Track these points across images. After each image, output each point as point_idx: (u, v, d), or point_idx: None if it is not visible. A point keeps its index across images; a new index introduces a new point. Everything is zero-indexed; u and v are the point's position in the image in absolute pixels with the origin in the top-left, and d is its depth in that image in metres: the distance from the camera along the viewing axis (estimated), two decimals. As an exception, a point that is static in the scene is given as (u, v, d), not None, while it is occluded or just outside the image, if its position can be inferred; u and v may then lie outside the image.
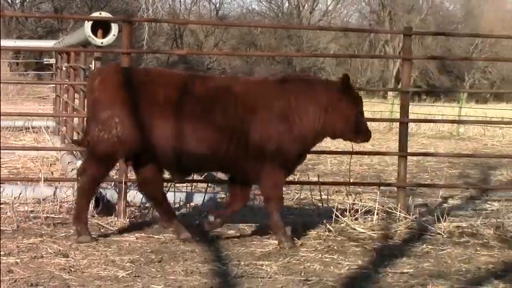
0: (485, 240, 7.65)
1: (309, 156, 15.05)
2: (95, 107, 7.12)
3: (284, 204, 7.47)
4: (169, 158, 7.06)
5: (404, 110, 8.83)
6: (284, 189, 9.35)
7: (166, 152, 7.01)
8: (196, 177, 8.88)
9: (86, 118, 7.70)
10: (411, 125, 25.53)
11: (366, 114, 7.85)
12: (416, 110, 32.22)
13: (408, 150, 9.18)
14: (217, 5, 63.17)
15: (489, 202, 10.22)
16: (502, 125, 25.61)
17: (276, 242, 7.17)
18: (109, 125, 6.95)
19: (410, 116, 9.36)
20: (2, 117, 8.86)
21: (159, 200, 7.36)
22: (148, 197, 7.56)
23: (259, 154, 7.08)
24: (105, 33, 8.59)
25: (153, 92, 7.06)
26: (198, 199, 9.01)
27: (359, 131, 7.40)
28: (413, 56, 9.89)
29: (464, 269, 6.48)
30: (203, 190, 9.36)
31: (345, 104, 7.28)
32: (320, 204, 8.95)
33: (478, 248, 7.32)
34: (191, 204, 8.96)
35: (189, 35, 60.32)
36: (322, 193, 9.03)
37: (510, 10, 72.35)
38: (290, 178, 8.31)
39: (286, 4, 64.22)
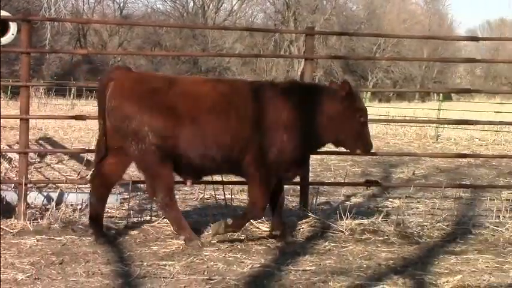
0: (386, 237, 7.77)
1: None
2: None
3: (189, 203, 7.46)
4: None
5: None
6: (188, 189, 9.39)
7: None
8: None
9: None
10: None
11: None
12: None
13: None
14: (121, 4, 62.73)
15: (390, 199, 10.38)
16: (404, 124, 26.09)
17: (182, 241, 7.17)
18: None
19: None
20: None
21: None
22: None
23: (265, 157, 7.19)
24: (4, 32, 8.42)
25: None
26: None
27: (359, 141, 7.51)
28: (316, 56, 9.96)
29: (365, 265, 6.58)
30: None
31: (347, 112, 7.38)
32: (224, 204, 8.94)
33: (379, 245, 7.44)
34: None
35: (93, 34, 59.68)
36: (226, 192, 9.02)
37: (412, 10, 73.79)
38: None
39: (191, 4, 64.14)
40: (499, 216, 8.78)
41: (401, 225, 8.27)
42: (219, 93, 7.31)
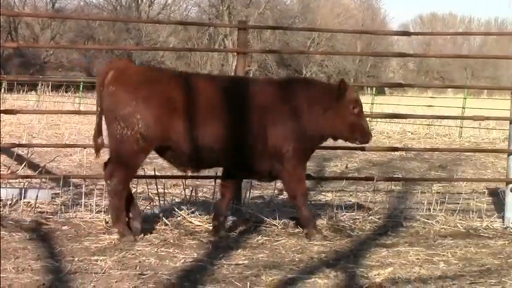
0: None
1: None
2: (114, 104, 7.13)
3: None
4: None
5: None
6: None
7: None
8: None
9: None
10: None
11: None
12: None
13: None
14: (54, -3, 61.82)
15: (323, 193, 10.44)
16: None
17: (114, 236, 7.13)
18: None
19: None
20: None
21: None
22: None
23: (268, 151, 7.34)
24: None
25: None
26: (31, 195, 8.74)
27: (357, 133, 7.59)
28: (249, 50, 9.95)
29: (297, 259, 6.60)
30: (37, 186, 9.12)
31: (342, 106, 7.49)
32: (157, 198, 8.89)
33: (312, 238, 7.46)
34: (24, 200, 8.69)
35: (24, 27, 58.75)
36: (159, 187, 8.98)
37: (345, 5, 74.31)
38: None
39: (125, -3, 63.57)
40: (429, 209, 8.90)
41: (334, 218, 8.33)
42: (220, 89, 7.41)
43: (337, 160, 14.97)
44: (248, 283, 5.72)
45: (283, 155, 7.36)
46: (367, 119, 8.83)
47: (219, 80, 8.12)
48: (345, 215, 8.57)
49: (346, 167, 14.02)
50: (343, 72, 65.44)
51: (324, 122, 7.50)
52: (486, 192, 10.67)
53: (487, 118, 9.90)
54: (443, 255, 6.90)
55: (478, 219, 8.60)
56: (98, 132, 7.30)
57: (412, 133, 24.76)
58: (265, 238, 7.42)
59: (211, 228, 7.62)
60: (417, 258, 6.72)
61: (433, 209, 8.90)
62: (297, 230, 7.85)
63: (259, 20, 60.36)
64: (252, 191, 9.39)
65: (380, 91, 45.28)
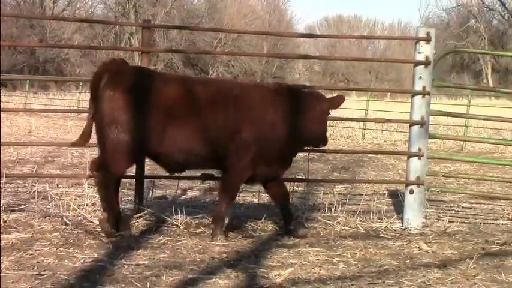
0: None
1: (48, 148, 14.72)
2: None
3: (20, 197, 7.25)
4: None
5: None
6: (21, 182, 9.14)
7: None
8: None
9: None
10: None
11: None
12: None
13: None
14: (-46, -8, 60.31)
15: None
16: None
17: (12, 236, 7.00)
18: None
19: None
20: None
21: None
22: None
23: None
24: None
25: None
26: None
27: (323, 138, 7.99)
28: (153, 49, 9.87)
29: (199, 259, 6.58)
30: None
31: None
32: (58, 197, 8.74)
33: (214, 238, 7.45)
34: None
35: None
36: (60, 186, 8.84)
37: (252, 6, 74.63)
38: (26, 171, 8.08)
39: (29, -8, 62.49)
40: (331, 210, 9.00)
41: (237, 218, 8.34)
42: (213, 93, 7.49)
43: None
44: (148, 283, 5.67)
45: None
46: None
47: (213, 83, 8.18)
48: (246, 215, 8.59)
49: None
50: (250, 73, 65.77)
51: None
52: (386, 194, 10.84)
53: (388, 121, 10.09)
54: (343, 255, 6.97)
55: (378, 221, 8.74)
56: (88, 134, 7.34)
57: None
58: (166, 238, 7.38)
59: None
60: (317, 259, 6.78)
61: (335, 210, 9.00)
62: (199, 230, 7.84)
63: (165, 19, 60.16)
64: (154, 190, 9.34)
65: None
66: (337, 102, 7.83)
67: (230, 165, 7.48)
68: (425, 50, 8.75)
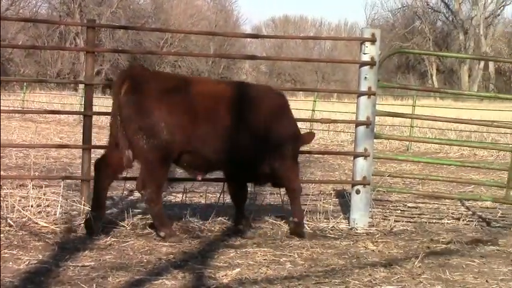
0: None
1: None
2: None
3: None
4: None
5: (88, 103, 8.75)
6: None
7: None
8: None
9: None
10: (102, 118, 25.57)
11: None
12: (107, 102, 32.22)
13: (97, 143, 9.11)
14: None
15: (174, 194, 10.41)
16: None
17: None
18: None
19: (102, 109, 9.32)
20: None
21: None
22: None
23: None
24: None
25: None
26: None
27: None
28: (98, 49, 9.80)
29: (145, 260, 6.54)
30: None
31: None
32: (1, 199, 8.62)
33: (161, 239, 7.42)
34: None
35: None
36: (4, 187, 8.72)
37: (198, 6, 74.51)
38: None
39: (-30, -9, 61.55)
40: (278, 210, 9.02)
41: (183, 219, 8.32)
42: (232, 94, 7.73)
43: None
44: (94, 285, 5.62)
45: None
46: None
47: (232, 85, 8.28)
48: (194, 215, 8.57)
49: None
50: (197, 74, 65.63)
51: None
52: (333, 194, 10.91)
53: (334, 121, 10.15)
54: (290, 255, 6.99)
55: (325, 220, 8.78)
56: (124, 144, 7.34)
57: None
58: (113, 239, 7.32)
59: (57, 229, 7.48)
60: (264, 259, 6.78)
61: (282, 210, 9.02)
62: (146, 231, 7.80)
63: (111, 19, 59.77)
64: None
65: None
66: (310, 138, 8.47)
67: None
68: (371, 51, 8.81)
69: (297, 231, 7.97)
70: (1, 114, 8.08)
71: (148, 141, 7.23)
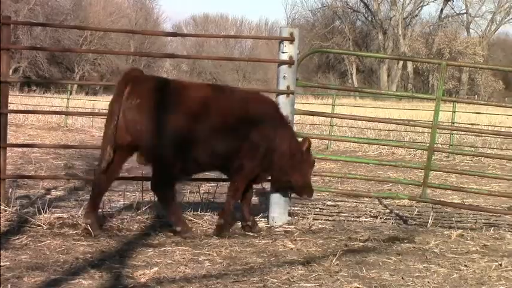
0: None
1: None
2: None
3: None
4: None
5: (4, 101, 8.58)
6: None
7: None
8: None
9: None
10: (19, 117, 25.18)
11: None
12: (26, 101, 31.75)
13: (14, 142, 8.95)
14: None
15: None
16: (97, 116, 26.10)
17: None
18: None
19: (19, 107, 9.17)
20: None
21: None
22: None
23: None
24: None
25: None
26: None
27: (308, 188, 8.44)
28: (13, 46, 9.63)
29: (62, 260, 6.45)
30: None
31: None
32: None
33: (78, 239, 7.34)
34: None
35: None
36: None
37: (118, 3, 73.90)
38: None
39: None
40: (197, 209, 9.00)
41: (101, 218, 8.24)
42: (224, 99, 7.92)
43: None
44: (9, 285, 5.52)
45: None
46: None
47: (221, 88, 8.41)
48: (112, 214, 8.50)
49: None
50: (116, 72, 65.11)
51: None
52: (252, 192, 10.91)
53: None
54: (209, 254, 6.98)
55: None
56: (111, 142, 7.50)
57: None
58: (29, 239, 7.20)
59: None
60: (183, 258, 6.76)
61: (201, 209, 9.01)
62: (63, 230, 7.70)
63: (29, 16, 58.88)
64: (17, 190, 9.12)
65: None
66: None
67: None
68: (289, 50, 8.86)
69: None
70: None
71: (154, 142, 7.49)
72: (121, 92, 7.53)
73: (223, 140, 7.77)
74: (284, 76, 8.87)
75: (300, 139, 8.41)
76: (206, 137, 7.66)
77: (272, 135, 8.01)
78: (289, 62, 8.84)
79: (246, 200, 8.37)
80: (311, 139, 8.47)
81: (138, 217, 8.41)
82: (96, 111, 23.93)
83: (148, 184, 10.33)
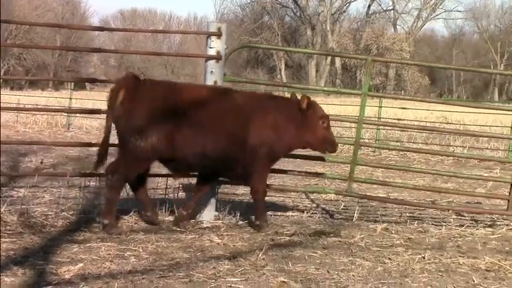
0: (8, 227, 7.58)
1: None
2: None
3: None
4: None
5: None
6: None
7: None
8: None
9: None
10: None
11: None
12: None
13: None
14: None
15: (16, 189, 10.14)
16: (35, 112, 25.78)
17: None
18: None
19: None
20: None
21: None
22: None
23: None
24: None
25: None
26: None
27: (326, 143, 8.41)
28: None
29: (-16, 258, 6.35)
30: None
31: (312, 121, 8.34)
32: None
33: (3, 235, 7.22)
34: None
35: None
36: None
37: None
38: None
39: None
40: (123, 205, 8.93)
41: (26, 214, 8.12)
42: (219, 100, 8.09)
43: (32, 155, 14.63)
44: None
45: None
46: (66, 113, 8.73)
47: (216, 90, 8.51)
48: (36, 211, 8.39)
49: (41, 162, 13.74)
50: (43, 66, 64.29)
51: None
52: (180, 188, 10.89)
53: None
54: (135, 250, 6.94)
55: (171, 214, 8.76)
56: (106, 144, 7.87)
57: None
58: None
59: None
60: (108, 254, 6.71)
61: (127, 205, 8.94)
62: (-15, 227, 7.58)
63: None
64: None
65: (80, 86, 44.90)
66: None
67: None
68: (217, 45, 8.85)
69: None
70: None
71: (136, 143, 7.72)
72: (114, 96, 7.75)
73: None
74: (211, 71, 8.86)
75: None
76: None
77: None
78: (217, 57, 8.83)
79: (198, 193, 8.57)
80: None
81: (63, 213, 8.33)
82: (22, 106, 23.60)
83: (73, 180, 10.26)
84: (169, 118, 7.72)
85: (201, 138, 7.82)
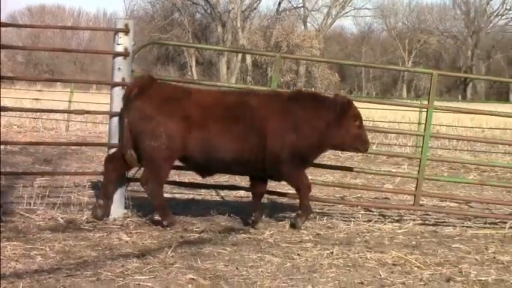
0: None
1: None
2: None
3: None
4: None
5: None
6: None
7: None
8: None
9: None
10: None
11: None
12: None
13: None
14: None
15: None
16: None
17: None
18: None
19: None
20: None
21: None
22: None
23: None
24: None
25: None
26: None
27: (359, 142, 8.50)
28: None
29: None
30: None
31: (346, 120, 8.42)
32: None
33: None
34: None
35: None
36: None
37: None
38: None
39: None
40: (30, 203, 8.81)
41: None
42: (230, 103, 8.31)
43: None
44: None
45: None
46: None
47: (230, 94, 8.80)
48: None
49: None
50: None
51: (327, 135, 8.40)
52: (88, 186, 10.79)
53: (88, 112, 10.05)
54: (42, 249, 6.85)
55: (79, 213, 8.67)
56: (127, 143, 8.18)
57: (18, 126, 24.40)
58: None
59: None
60: (14, 253, 6.60)
61: (34, 203, 8.82)
62: None
63: None
64: None
65: (-14, 83, 43.86)
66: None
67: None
68: (124, 42, 8.79)
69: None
70: None
71: (150, 144, 8.08)
72: (128, 96, 8.19)
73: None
74: (119, 68, 8.80)
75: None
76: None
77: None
78: (124, 54, 8.77)
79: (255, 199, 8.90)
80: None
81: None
82: None
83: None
84: (184, 119, 8.08)
85: (219, 140, 8.16)
